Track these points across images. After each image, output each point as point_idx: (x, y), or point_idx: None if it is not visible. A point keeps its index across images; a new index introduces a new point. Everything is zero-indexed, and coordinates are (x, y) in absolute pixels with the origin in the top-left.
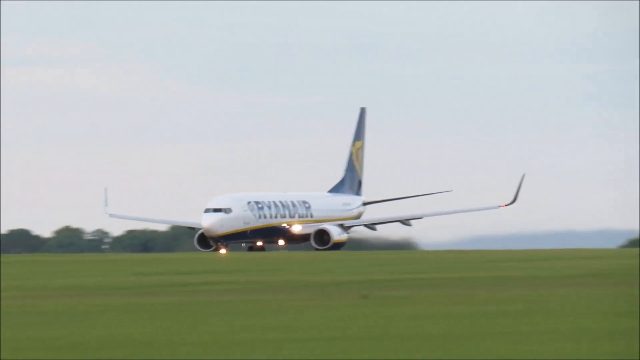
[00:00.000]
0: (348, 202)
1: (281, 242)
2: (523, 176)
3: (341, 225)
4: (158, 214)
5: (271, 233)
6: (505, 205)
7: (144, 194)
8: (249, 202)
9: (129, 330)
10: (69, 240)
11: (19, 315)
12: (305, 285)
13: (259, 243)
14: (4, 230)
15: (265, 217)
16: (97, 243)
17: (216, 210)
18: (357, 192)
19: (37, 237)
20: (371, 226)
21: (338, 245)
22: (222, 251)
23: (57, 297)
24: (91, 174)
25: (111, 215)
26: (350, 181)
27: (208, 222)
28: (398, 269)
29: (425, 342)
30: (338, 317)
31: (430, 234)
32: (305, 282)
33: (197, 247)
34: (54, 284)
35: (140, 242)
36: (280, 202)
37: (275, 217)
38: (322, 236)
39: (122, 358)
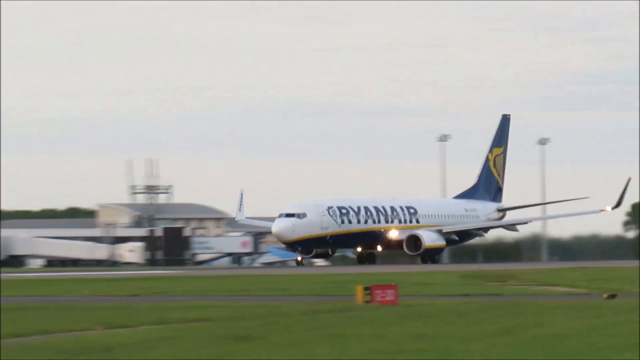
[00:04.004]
0: (474, 209)
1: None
2: (629, 180)
3: (439, 232)
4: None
5: (356, 239)
6: (611, 208)
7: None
8: (330, 207)
9: None
10: None
11: None
12: None
13: (359, 249)
14: None
15: (350, 222)
16: None
17: (289, 215)
18: (495, 198)
19: None
20: (477, 231)
21: (432, 252)
22: (298, 258)
23: None
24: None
25: (240, 221)
26: (486, 187)
27: (277, 228)
28: None
29: None
30: None
31: None
32: None
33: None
34: None
35: None
36: (375, 207)
37: (365, 222)
38: (415, 242)
39: None
